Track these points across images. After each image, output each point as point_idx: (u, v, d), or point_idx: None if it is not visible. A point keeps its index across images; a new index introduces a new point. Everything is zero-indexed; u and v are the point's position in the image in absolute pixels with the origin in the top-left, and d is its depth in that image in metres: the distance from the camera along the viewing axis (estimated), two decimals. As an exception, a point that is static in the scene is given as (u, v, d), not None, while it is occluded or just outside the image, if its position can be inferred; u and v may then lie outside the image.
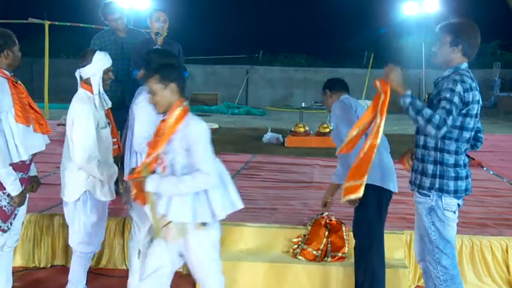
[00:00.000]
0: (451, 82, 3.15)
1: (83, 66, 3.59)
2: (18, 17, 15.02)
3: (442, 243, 3.28)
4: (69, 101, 3.65)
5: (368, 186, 3.73)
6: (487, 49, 25.57)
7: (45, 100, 13.48)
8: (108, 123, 3.70)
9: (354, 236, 3.90)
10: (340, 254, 4.44)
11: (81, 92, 3.60)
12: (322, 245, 4.42)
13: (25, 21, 14.14)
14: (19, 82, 3.48)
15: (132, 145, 3.73)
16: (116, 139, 3.77)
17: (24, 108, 3.39)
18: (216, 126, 12.10)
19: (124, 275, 4.58)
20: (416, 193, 3.34)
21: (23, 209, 3.65)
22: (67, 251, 4.83)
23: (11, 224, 3.48)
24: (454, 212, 3.30)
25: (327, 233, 4.50)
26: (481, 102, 3.27)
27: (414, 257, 4.54)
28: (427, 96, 3.36)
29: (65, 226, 4.85)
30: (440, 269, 3.30)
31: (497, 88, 20.21)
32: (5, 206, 3.40)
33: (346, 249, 4.42)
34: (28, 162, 3.51)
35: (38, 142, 3.52)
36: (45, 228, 4.85)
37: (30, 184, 3.61)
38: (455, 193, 3.25)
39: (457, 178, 3.24)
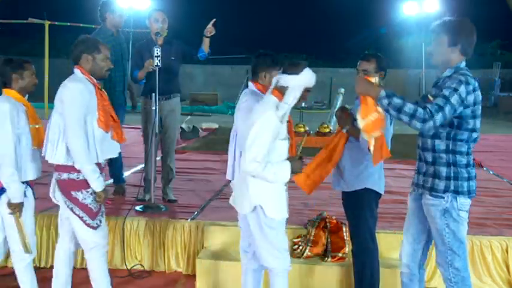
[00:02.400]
0: (455, 81, 3.11)
1: (289, 74, 3.35)
2: (18, 17, 15.04)
3: (456, 244, 3.25)
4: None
5: (369, 191, 3.76)
6: (487, 49, 25.61)
7: (45, 100, 13.49)
8: (288, 138, 3.48)
9: (354, 239, 3.89)
10: (340, 255, 4.45)
11: (270, 98, 3.37)
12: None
13: (25, 21, 14.15)
14: (103, 90, 3.59)
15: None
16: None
17: (106, 115, 3.50)
18: (216, 126, 12.10)
19: (124, 275, 4.59)
20: (428, 196, 3.28)
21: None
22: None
23: (100, 221, 3.59)
24: (466, 212, 3.29)
25: (326, 233, 4.52)
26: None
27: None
28: (431, 98, 3.28)
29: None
30: (452, 271, 3.27)
31: (497, 88, 20.23)
32: (90, 204, 3.49)
33: (347, 249, 4.42)
34: (103, 165, 3.61)
35: (113, 149, 3.62)
36: (45, 228, 4.85)
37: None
38: (469, 193, 3.24)
39: (469, 178, 3.24)
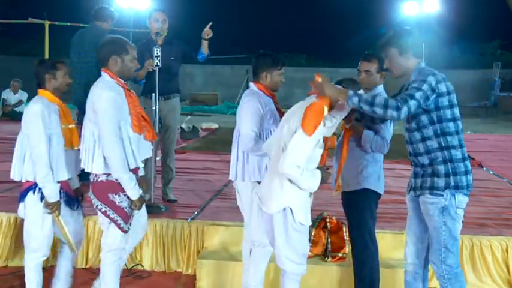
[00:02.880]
0: (422, 76, 3.21)
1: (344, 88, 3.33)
2: (18, 17, 15.03)
3: (450, 242, 3.29)
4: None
5: (368, 192, 3.76)
6: (487, 49, 25.59)
7: (45, 100, 13.46)
8: (323, 145, 3.40)
9: (354, 239, 3.89)
10: (340, 255, 4.45)
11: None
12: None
13: (25, 21, 14.17)
14: (132, 91, 3.58)
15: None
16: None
17: (138, 117, 3.51)
18: (216, 126, 12.11)
19: (124, 275, 4.59)
20: (428, 195, 3.30)
21: (143, 209, 3.75)
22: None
23: (130, 224, 3.60)
24: (463, 209, 3.33)
25: (326, 233, 4.52)
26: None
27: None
28: None
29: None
30: (445, 268, 3.31)
31: (497, 88, 20.21)
32: (125, 208, 3.51)
33: (347, 249, 4.42)
34: (138, 167, 3.62)
35: (147, 149, 3.65)
36: (45, 228, 4.84)
37: (140, 184, 3.70)
38: (467, 187, 3.28)
39: (467, 172, 3.28)
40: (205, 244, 4.71)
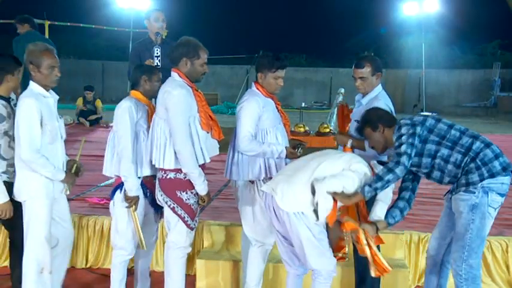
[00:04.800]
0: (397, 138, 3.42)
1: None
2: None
3: (476, 241, 3.29)
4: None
5: None
6: (487, 49, 25.59)
7: (45, 100, 13.44)
8: None
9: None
10: (340, 255, 4.42)
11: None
12: None
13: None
14: (199, 91, 3.68)
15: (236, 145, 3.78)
16: None
17: (206, 116, 3.63)
18: (216, 126, 12.11)
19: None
20: (461, 192, 3.32)
21: None
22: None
23: (197, 221, 3.71)
24: (495, 209, 3.33)
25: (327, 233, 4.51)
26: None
27: (414, 257, 4.55)
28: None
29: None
30: (465, 267, 3.31)
31: (497, 88, 20.21)
32: (192, 205, 3.62)
33: (347, 249, 4.41)
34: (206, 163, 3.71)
35: (214, 147, 3.77)
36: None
37: None
38: (504, 170, 3.28)
39: (497, 156, 3.31)
40: (205, 244, 4.71)
